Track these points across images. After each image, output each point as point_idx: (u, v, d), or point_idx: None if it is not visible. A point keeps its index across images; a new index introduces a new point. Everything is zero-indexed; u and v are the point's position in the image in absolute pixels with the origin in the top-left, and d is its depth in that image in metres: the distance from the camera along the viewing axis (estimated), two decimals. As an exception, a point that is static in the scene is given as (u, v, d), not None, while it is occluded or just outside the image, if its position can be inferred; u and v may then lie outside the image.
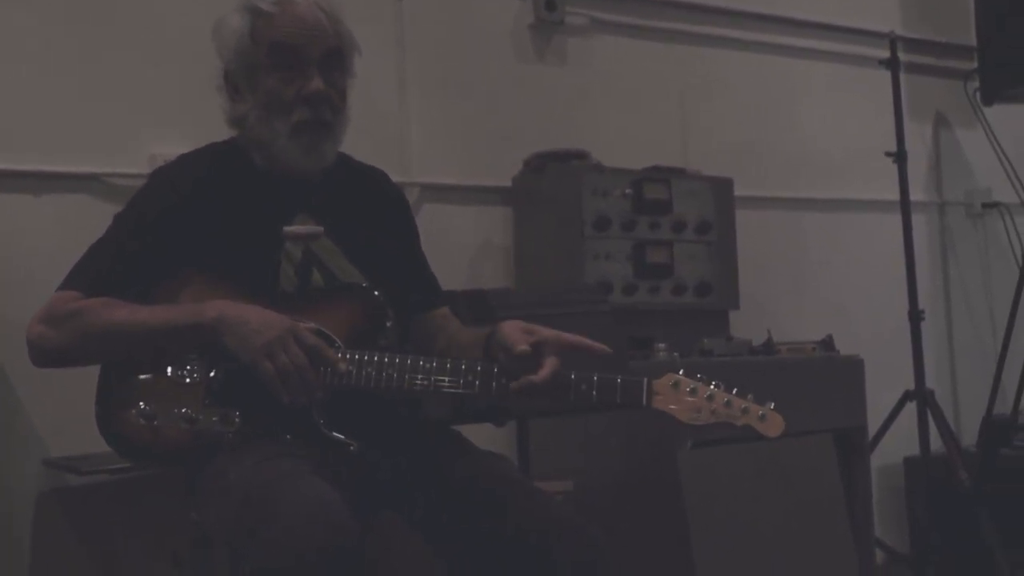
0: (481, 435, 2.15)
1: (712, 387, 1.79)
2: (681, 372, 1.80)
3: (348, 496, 1.62)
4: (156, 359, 1.78)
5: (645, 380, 1.79)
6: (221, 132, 1.99)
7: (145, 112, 2.95)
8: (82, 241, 1.89)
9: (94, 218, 2.02)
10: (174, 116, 2.94)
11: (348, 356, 1.77)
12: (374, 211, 2.01)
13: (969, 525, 3.53)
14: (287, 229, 1.88)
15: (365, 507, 1.75)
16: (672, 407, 1.78)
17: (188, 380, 1.77)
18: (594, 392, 1.77)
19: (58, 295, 1.81)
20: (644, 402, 1.78)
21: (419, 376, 1.77)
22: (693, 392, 1.78)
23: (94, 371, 1.82)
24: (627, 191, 3.32)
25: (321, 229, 1.90)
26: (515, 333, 1.78)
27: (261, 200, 1.89)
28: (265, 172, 1.91)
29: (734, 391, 1.80)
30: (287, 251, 1.87)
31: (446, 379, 1.77)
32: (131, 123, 2.94)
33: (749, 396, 1.80)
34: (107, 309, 1.76)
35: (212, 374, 1.78)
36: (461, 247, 3.42)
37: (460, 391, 1.77)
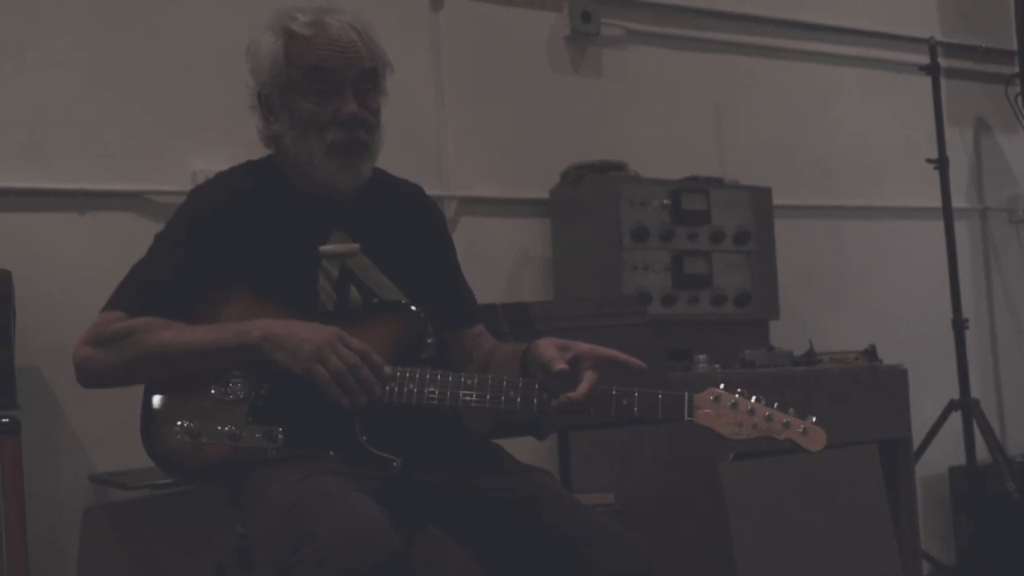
0: (523, 449, 2.15)
1: (753, 401, 1.78)
2: (722, 386, 1.79)
3: (391, 512, 1.62)
4: (201, 377, 1.79)
5: (686, 395, 1.78)
6: (262, 149, 2.00)
7: (186, 130, 2.99)
8: (126, 258, 1.91)
9: (137, 235, 2.03)
10: (215, 134, 2.97)
11: (408, 375, 1.78)
12: (410, 226, 2.01)
13: (1017, 536, 3.48)
14: (323, 248, 1.88)
15: (408, 523, 1.76)
16: (714, 422, 1.77)
17: (232, 397, 1.78)
18: (636, 408, 1.77)
19: (103, 316, 1.82)
20: (686, 417, 1.78)
21: (461, 392, 1.78)
22: (734, 406, 1.78)
23: (138, 388, 1.83)
24: (665, 201, 3.32)
25: (357, 246, 1.91)
26: (550, 350, 1.77)
27: (297, 218, 1.90)
28: (301, 190, 1.92)
29: (775, 405, 1.79)
30: (324, 269, 1.88)
31: (488, 395, 1.77)
32: (172, 141, 2.97)
33: (791, 410, 1.79)
34: (153, 331, 1.78)
35: (256, 392, 1.79)
36: (499, 259, 3.42)
37: (501, 407, 1.77)
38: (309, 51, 1.85)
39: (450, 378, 1.78)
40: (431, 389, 1.77)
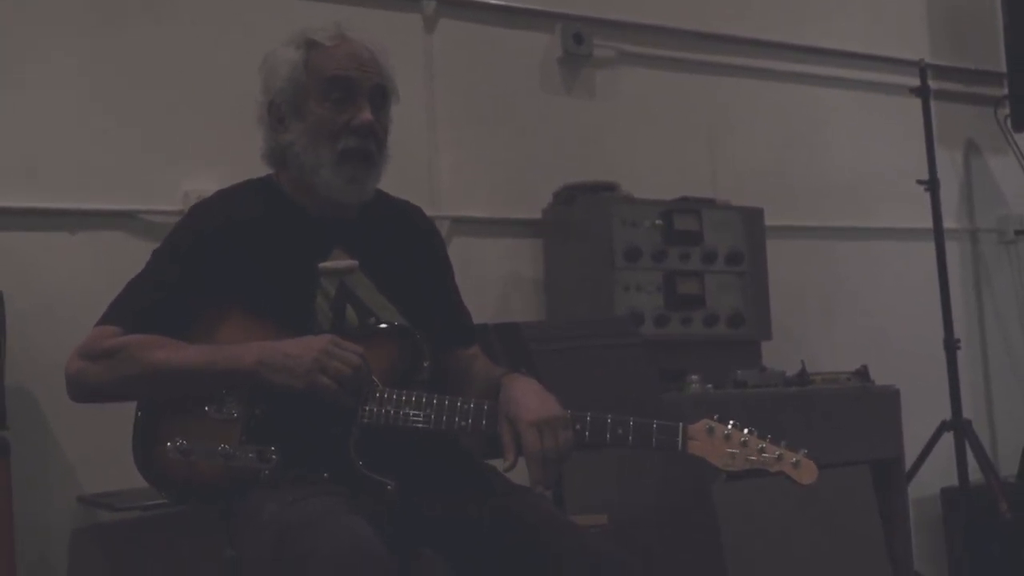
0: (516, 469, 2.14)
1: (746, 433, 1.80)
2: (716, 418, 1.81)
3: (385, 534, 1.62)
4: (194, 397, 1.78)
5: (680, 426, 1.80)
6: (254, 170, 2.00)
7: (179, 150, 2.99)
8: (117, 278, 1.90)
9: (129, 255, 2.03)
10: (207, 154, 2.97)
11: (386, 396, 1.78)
12: (408, 246, 2.01)
13: (1010, 557, 3.48)
14: (322, 265, 1.88)
15: (402, 545, 1.75)
16: (707, 452, 1.79)
17: (225, 417, 1.77)
18: (630, 436, 1.79)
19: (98, 330, 1.81)
20: (679, 447, 1.79)
21: (456, 417, 1.78)
22: (727, 438, 1.80)
23: (128, 408, 1.82)
24: (657, 222, 3.32)
25: (356, 263, 1.90)
26: (507, 433, 1.77)
27: (297, 235, 1.90)
28: (302, 207, 1.92)
29: (768, 438, 1.81)
30: (322, 288, 1.88)
31: (483, 421, 1.79)
32: (165, 161, 2.97)
33: (783, 443, 1.81)
34: (147, 348, 1.77)
35: (251, 412, 1.78)
36: (491, 280, 3.42)
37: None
38: (330, 60, 1.88)
39: (446, 402, 1.79)
40: (427, 412, 1.77)
